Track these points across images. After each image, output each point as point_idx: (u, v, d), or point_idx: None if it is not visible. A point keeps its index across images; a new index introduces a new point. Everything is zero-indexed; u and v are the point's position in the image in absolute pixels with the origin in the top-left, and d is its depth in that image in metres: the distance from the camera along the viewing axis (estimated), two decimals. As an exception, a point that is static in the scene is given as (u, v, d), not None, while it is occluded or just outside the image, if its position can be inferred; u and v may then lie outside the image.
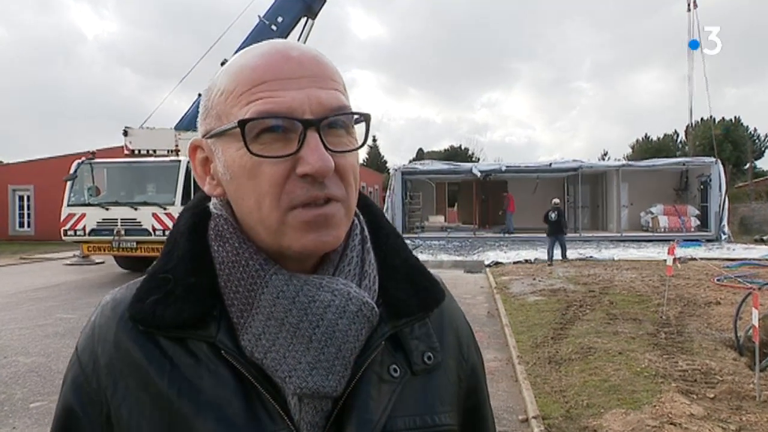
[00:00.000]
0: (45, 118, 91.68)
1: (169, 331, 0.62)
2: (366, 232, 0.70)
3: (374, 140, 55.16)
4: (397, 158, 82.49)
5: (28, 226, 24.19)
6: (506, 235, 22.24)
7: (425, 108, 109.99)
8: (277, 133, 0.59)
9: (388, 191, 22.77)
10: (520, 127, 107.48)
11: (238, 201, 0.63)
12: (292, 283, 0.62)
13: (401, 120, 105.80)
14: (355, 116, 0.63)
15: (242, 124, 0.59)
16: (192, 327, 0.62)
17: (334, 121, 0.61)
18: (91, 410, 0.65)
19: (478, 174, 22.73)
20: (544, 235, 14.71)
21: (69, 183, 11.66)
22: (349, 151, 0.62)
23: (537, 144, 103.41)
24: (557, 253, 13.91)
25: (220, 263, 0.64)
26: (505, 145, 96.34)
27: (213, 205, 0.68)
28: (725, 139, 34.26)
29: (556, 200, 14.82)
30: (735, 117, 39.61)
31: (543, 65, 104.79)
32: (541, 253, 15.01)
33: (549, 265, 13.25)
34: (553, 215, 13.81)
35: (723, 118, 38.03)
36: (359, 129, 0.65)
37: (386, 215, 0.79)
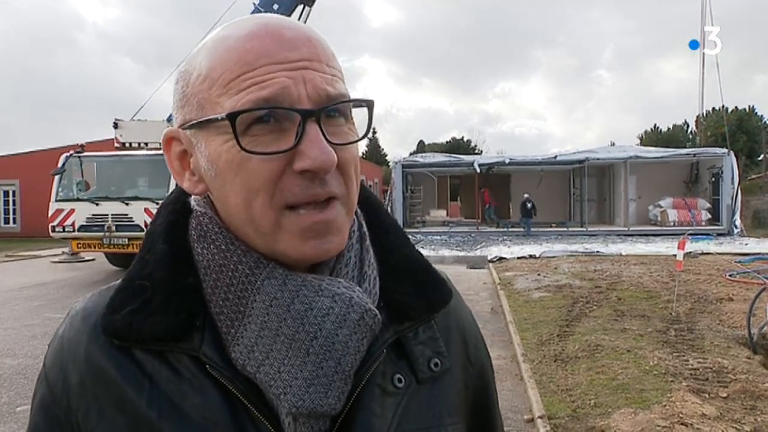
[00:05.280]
0: (38, 107, 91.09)
1: (147, 345, 0.57)
2: (364, 229, 0.65)
3: (374, 132, 54.76)
4: (403, 150, 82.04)
5: (14, 222, 24.02)
6: (509, 229, 22.44)
7: (438, 98, 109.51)
8: (271, 124, 0.54)
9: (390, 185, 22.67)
10: (532, 118, 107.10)
11: (223, 199, 0.58)
12: (287, 289, 0.56)
13: (410, 111, 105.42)
14: (354, 101, 0.58)
15: (232, 117, 0.53)
16: (173, 339, 0.57)
17: (333, 110, 0.56)
18: None
19: (479, 168, 22.71)
20: (519, 220, 22.29)
21: (57, 177, 11.42)
22: (350, 143, 0.57)
23: (547, 136, 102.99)
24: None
25: (205, 267, 0.59)
26: (514, 137, 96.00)
27: (194, 201, 0.63)
28: (738, 130, 33.70)
29: (527, 195, 21.64)
30: (749, 106, 39.16)
31: (563, 53, 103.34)
32: (547, 248, 16.02)
33: (524, 234, 20.58)
34: (529, 205, 21.09)
35: (736, 107, 37.59)
36: (360, 117, 0.60)
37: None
